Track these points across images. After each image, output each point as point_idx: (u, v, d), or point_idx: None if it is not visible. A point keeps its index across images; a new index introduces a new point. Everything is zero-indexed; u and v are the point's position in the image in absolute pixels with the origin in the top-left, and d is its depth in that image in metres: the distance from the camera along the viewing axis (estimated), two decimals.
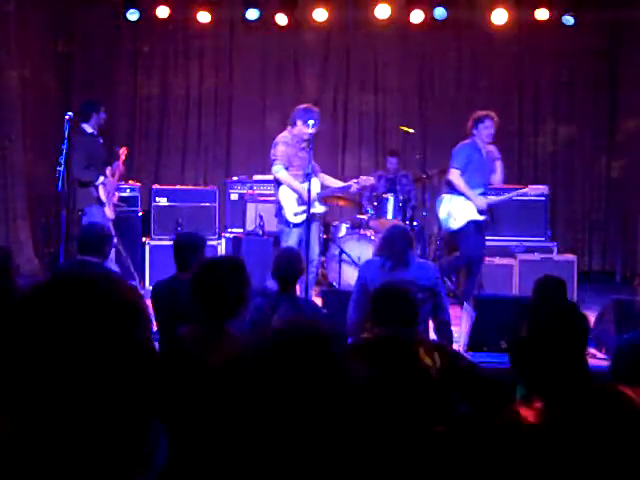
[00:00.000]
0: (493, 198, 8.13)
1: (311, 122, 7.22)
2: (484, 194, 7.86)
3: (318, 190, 7.48)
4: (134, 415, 1.20)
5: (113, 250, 7.78)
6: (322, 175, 7.69)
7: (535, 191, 8.35)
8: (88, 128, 7.93)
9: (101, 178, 7.86)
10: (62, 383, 1.16)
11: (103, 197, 7.87)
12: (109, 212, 7.95)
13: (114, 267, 7.70)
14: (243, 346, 1.40)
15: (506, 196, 8.30)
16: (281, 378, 1.30)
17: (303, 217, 7.34)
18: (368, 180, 7.88)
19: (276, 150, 7.40)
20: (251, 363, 1.34)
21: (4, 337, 1.18)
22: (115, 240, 7.88)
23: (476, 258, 7.83)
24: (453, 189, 7.82)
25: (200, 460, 1.36)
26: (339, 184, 7.83)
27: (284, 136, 7.49)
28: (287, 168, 7.38)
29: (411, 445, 2.99)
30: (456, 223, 7.77)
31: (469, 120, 7.83)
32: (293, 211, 7.40)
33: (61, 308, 1.20)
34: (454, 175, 7.77)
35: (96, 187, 7.84)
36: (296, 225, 7.40)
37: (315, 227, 7.50)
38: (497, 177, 7.93)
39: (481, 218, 7.80)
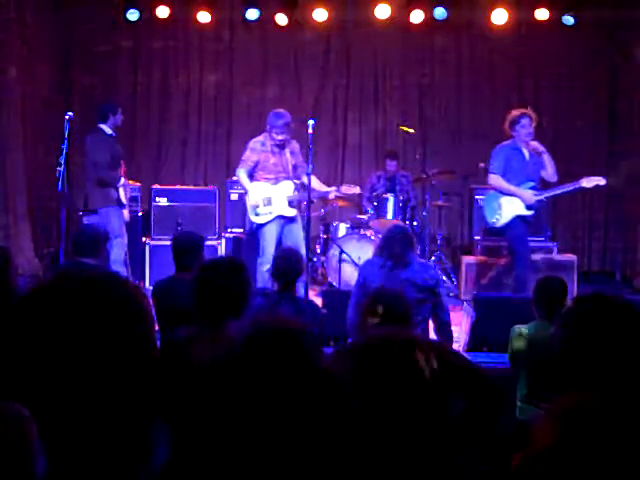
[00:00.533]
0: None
1: (276, 129, 7.52)
2: (533, 188, 7.74)
3: (289, 193, 7.59)
4: (138, 413, 1.21)
5: (124, 251, 7.81)
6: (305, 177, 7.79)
7: (590, 182, 7.75)
8: (107, 129, 8.00)
9: (122, 180, 7.90)
10: (66, 382, 1.16)
11: (124, 199, 7.89)
12: (126, 214, 7.99)
13: (121, 268, 7.72)
14: (229, 344, 1.41)
15: (560, 190, 7.96)
16: (255, 373, 1.31)
17: (267, 218, 7.60)
18: (350, 189, 7.95)
19: (244, 154, 7.73)
20: (229, 360, 1.35)
21: (8, 334, 1.18)
22: (125, 241, 7.93)
23: (523, 252, 7.68)
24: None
25: (199, 458, 1.37)
26: (323, 189, 7.90)
27: (255, 140, 7.75)
28: (251, 173, 7.65)
29: (405, 443, 2.98)
30: (502, 219, 7.68)
31: (505, 122, 7.69)
32: (255, 211, 7.58)
33: (64, 307, 1.20)
34: (494, 180, 7.69)
35: (117, 188, 7.86)
36: (260, 225, 7.57)
37: (294, 228, 7.61)
38: (548, 171, 7.70)
39: (528, 213, 7.69)
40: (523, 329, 4.67)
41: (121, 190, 7.87)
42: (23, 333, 1.18)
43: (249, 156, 7.65)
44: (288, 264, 4.86)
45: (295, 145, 7.74)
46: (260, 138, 7.69)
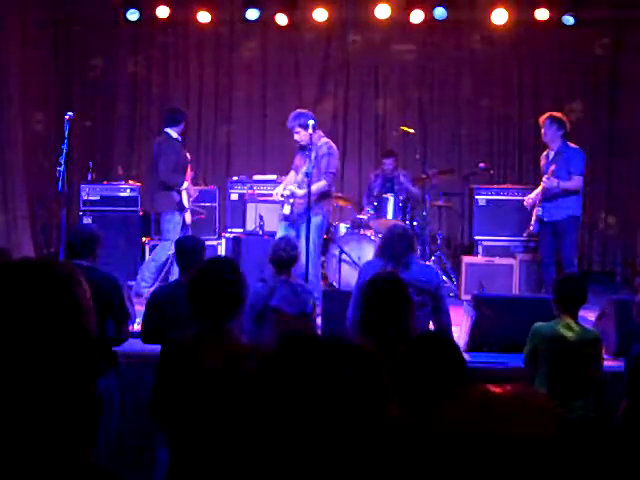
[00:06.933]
0: None
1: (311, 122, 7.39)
2: None
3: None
4: None
5: (167, 254, 7.90)
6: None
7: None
8: (173, 133, 8.18)
9: (185, 184, 8.08)
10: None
11: (186, 202, 8.06)
12: (188, 217, 8.09)
13: (153, 270, 7.95)
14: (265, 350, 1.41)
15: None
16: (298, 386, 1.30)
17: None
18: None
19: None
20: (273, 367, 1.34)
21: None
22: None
23: None
24: None
25: (201, 463, 1.36)
26: None
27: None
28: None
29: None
30: None
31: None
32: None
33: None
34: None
35: (179, 192, 8.03)
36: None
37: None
38: None
39: None
40: (544, 327, 4.63)
41: (184, 193, 8.05)
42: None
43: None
44: (282, 250, 5.33)
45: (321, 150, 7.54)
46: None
